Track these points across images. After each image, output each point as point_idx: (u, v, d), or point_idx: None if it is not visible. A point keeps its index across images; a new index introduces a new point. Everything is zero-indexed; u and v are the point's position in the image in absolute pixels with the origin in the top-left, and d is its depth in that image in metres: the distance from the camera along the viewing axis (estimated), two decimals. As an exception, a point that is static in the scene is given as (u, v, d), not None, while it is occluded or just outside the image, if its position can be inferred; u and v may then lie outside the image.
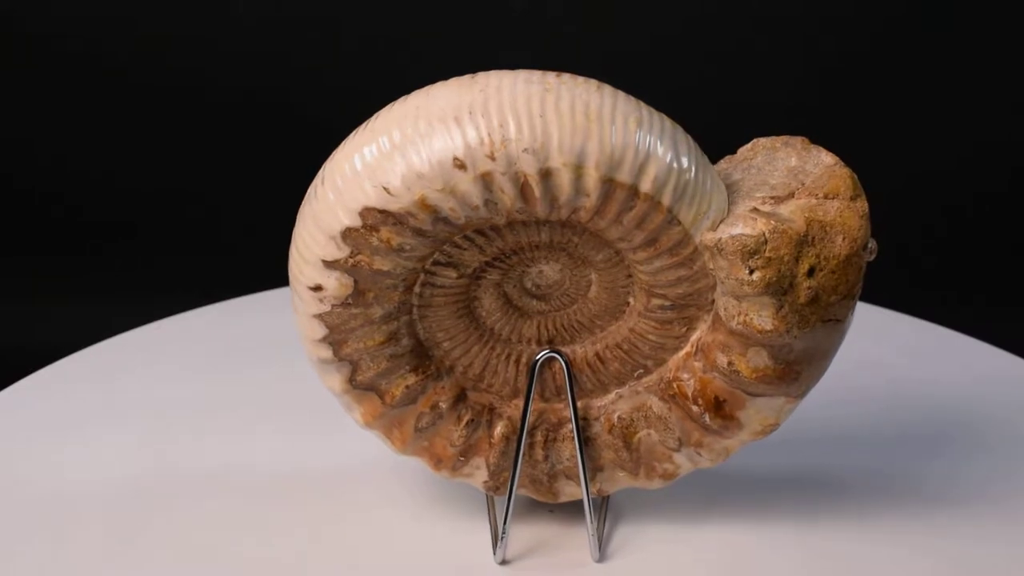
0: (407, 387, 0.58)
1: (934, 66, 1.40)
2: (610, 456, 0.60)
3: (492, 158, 0.49)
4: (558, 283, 0.57)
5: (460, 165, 0.49)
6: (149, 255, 1.44)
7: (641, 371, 0.58)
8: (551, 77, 0.51)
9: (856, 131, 1.37)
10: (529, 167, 0.49)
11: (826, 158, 0.55)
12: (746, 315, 0.53)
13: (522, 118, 0.49)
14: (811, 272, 0.52)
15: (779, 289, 0.52)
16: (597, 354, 0.58)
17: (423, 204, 0.50)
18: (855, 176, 0.54)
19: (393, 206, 0.50)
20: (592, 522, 0.60)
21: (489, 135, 0.49)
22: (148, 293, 1.31)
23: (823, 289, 0.53)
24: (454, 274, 0.55)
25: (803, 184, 0.54)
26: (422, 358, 0.58)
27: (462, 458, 0.60)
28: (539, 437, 0.60)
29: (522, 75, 0.51)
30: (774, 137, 0.57)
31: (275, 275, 0.95)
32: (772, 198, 0.53)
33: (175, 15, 1.40)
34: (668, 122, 0.52)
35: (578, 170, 0.49)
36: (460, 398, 0.59)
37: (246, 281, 1.02)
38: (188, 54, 1.41)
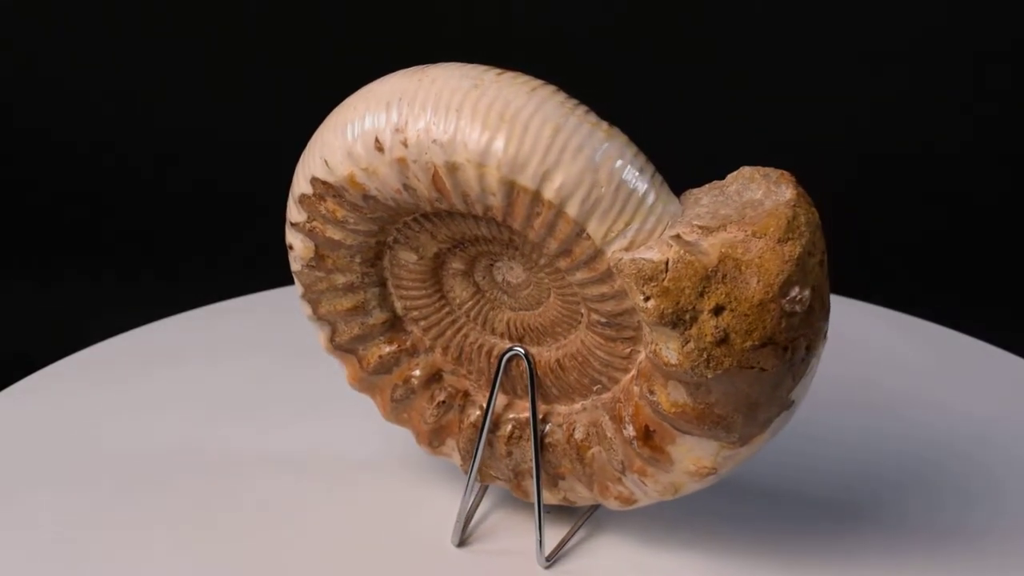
0: (380, 357, 0.61)
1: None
2: (568, 466, 0.60)
3: (405, 145, 0.51)
4: (525, 283, 0.57)
5: (379, 148, 0.52)
6: (149, 255, 1.46)
7: (599, 386, 0.57)
8: (491, 74, 0.52)
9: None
10: (437, 158, 0.50)
11: (787, 195, 0.51)
12: (656, 344, 0.51)
13: (440, 110, 0.51)
14: (718, 310, 0.49)
15: (678, 321, 0.49)
16: (558, 361, 0.58)
17: (352, 181, 0.53)
18: (799, 219, 0.49)
19: (331, 179, 0.54)
20: (541, 527, 0.60)
21: (407, 123, 0.51)
22: (151, 293, 1.34)
23: (734, 331, 0.49)
24: (414, 256, 0.57)
25: (744, 218, 0.50)
26: (397, 331, 0.61)
27: (436, 437, 0.62)
28: (504, 432, 0.61)
29: (463, 69, 0.52)
30: (758, 168, 0.53)
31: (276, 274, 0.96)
32: (703, 227, 0.50)
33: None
34: (603, 134, 0.50)
35: (480, 168, 0.50)
36: (435, 378, 0.61)
37: (246, 280, 1.04)
38: (195, 59, 1.43)
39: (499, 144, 0.49)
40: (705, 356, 0.49)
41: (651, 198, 0.50)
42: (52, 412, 0.77)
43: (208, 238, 1.45)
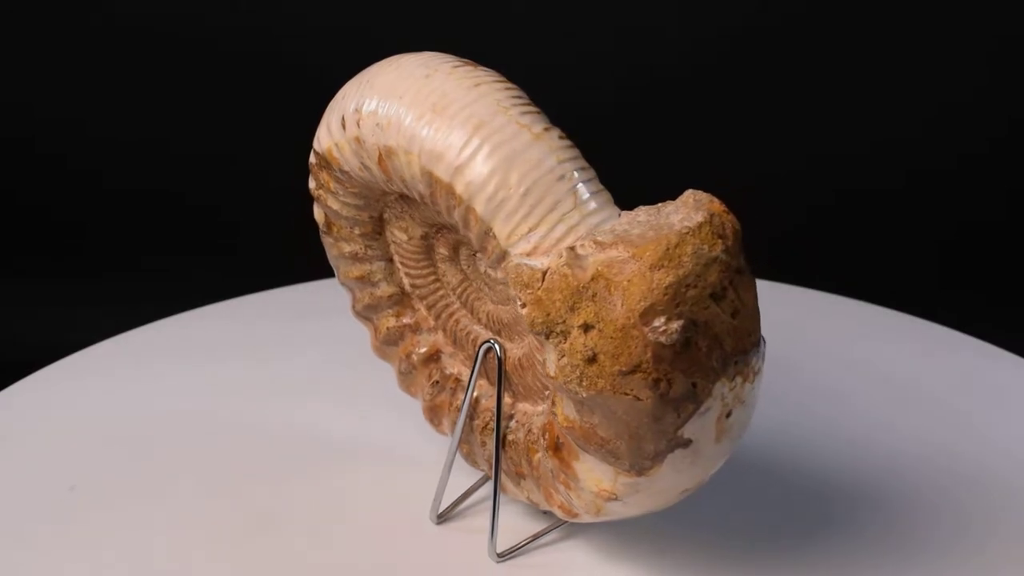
0: (388, 329, 0.64)
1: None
2: (525, 467, 0.60)
3: (358, 125, 0.54)
4: (502, 277, 0.58)
5: (343, 126, 0.55)
6: (149, 254, 1.46)
7: (548, 391, 0.57)
8: (447, 66, 0.53)
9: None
10: (380, 141, 0.53)
11: (691, 222, 0.48)
12: (543, 354, 0.50)
13: (389, 95, 0.53)
14: (587, 328, 0.48)
15: (550, 333, 0.49)
16: (519, 360, 0.58)
17: (330, 154, 0.57)
18: (684, 248, 0.47)
19: (320, 150, 0.58)
20: (495, 521, 0.60)
21: (364, 104, 0.54)
22: (156, 292, 1.33)
23: (603, 352, 0.47)
24: (404, 236, 0.60)
25: (640, 238, 0.48)
26: (405, 307, 0.63)
27: (434, 415, 0.65)
28: (481, 422, 0.62)
29: (427, 58, 0.54)
30: (697, 192, 0.51)
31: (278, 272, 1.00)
32: (598, 242, 0.49)
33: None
34: (529, 137, 0.50)
35: (407, 155, 0.52)
36: (434, 358, 0.63)
37: (248, 279, 1.04)
38: (191, 55, 1.43)
39: (424, 133, 0.51)
40: (578, 373, 0.48)
41: (566, 206, 0.50)
42: (50, 411, 0.78)
43: (208, 240, 1.49)
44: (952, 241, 1.45)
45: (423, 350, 0.63)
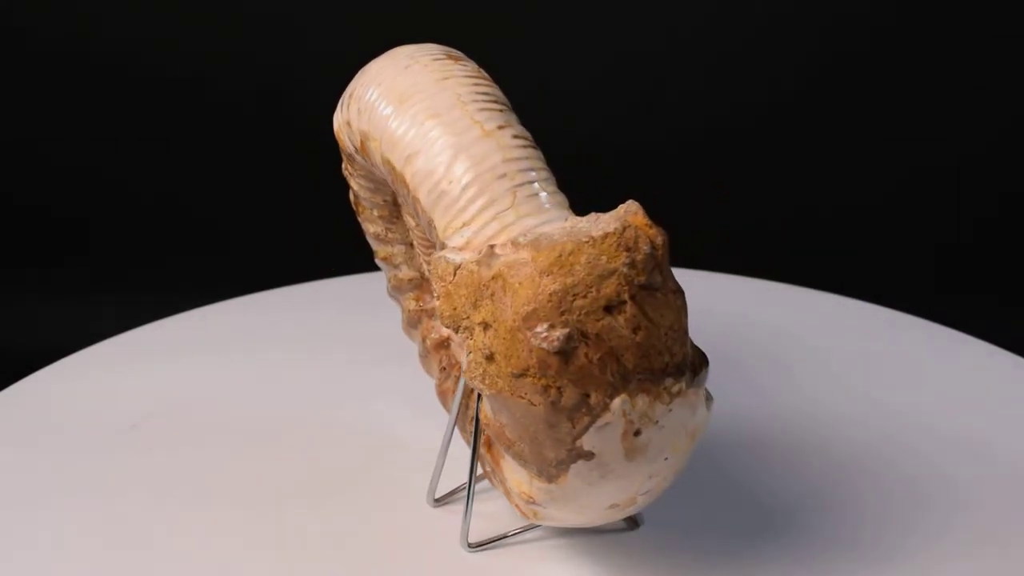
0: (409, 311, 0.66)
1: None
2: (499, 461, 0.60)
3: (348, 109, 0.57)
4: None
5: (341, 108, 0.58)
6: (149, 254, 1.44)
7: (514, 389, 0.57)
8: (428, 57, 0.55)
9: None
10: (360, 125, 0.55)
11: (599, 231, 0.47)
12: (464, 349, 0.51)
13: (371, 82, 0.55)
14: (486, 326, 0.48)
15: (457, 327, 0.49)
16: (497, 353, 0.59)
17: (339, 135, 0.60)
18: (578, 257, 0.46)
19: (335, 131, 0.61)
20: (468, 511, 0.61)
21: (355, 89, 0.57)
22: (154, 292, 1.32)
23: (498, 352, 0.48)
24: (413, 223, 0.62)
25: (550, 242, 0.48)
26: (423, 291, 0.65)
27: (444, 400, 0.66)
28: (472, 413, 0.63)
29: (414, 49, 0.56)
30: (633, 205, 0.50)
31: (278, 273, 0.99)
32: (515, 243, 0.49)
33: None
34: (478, 133, 0.51)
35: (375, 141, 0.54)
36: (444, 344, 0.65)
37: (248, 279, 1.02)
38: (187, 55, 1.44)
39: (388, 121, 0.53)
40: (480, 371, 0.49)
41: (502, 205, 0.50)
42: (50, 411, 0.78)
43: (211, 240, 1.49)
44: (952, 242, 1.49)
45: (435, 336, 0.65)
